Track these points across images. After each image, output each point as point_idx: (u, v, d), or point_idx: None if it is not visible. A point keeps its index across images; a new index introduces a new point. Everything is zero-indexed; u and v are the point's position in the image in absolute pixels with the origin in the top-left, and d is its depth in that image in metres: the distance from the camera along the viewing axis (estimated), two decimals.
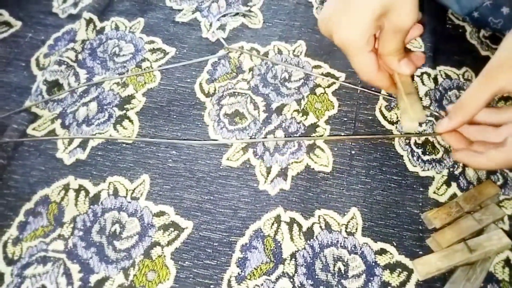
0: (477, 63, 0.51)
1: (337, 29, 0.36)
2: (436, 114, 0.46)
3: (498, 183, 0.42)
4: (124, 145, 0.46)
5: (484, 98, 0.35)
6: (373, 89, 0.49)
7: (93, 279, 0.38)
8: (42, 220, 0.41)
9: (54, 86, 0.49)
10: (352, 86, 0.49)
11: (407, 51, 0.40)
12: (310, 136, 0.46)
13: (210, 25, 0.55)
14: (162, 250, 0.39)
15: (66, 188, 0.43)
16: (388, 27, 0.36)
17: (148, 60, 0.52)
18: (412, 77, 0.45)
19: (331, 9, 0.37)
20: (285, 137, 0.45)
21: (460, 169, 0.43)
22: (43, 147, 0.45)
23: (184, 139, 0.46)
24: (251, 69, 0.51)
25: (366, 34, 0.36)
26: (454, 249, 0.38)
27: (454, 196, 0.42)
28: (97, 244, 0.40)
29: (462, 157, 0.38)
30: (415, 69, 0.40)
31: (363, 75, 0.39)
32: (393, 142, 0.45)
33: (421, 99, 0.40)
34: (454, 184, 0.43)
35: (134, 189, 0.43)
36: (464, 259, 0.37)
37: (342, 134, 0.46)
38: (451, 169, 0.43)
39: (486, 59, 0.51)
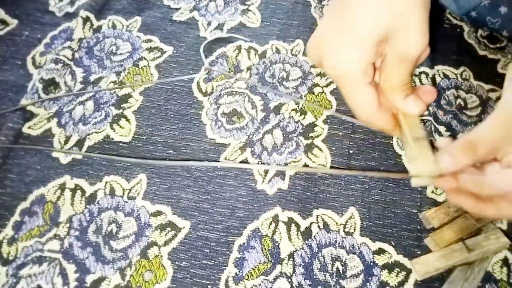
0: (475, 62, 0.51)
1: (329, 53, 0.29)
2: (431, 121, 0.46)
3: None
4: (121, 144, 0.45)
5: (501, 136, 0.30)
6: None
7: (89, 279, 0.38)
8: (38, 220, 0.40)
9: (50, 84, 0.49)
10: None
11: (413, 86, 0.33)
12: (312, 167, 0.45)
13: (208, 24, 0.55)
14: (159, 250, 0.39)
15: (62, 187, 0.42)
16: (391, 55, 0.29)
17: (145, 59, 0.52)
18: (422, 117, 0.36)
19: (323, 30, 0.30)
20: (283, 137, 0.45)
21: None
22: (39, 146, 0.45)
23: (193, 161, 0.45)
24: (249, 68, 0.51)
25: (364, 62, 0.29)
26: (452, 249, 0.38)
27: None
28: (94, 244, 0.39)
29: (465, 202, 0.32)
30: (425, 108, 0.32)
31: (360, 114, 0.31)
32: (391, 142, 0.45)
33: (432, 145, 0.31)
34: None
35: (131, 188, 0.42)
36: (462, 259, 0.37)
37: (340, 133, 0.46)
38: None
39: (484, 58, 0.52)
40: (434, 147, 0.32)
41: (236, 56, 0.52)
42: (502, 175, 0.30)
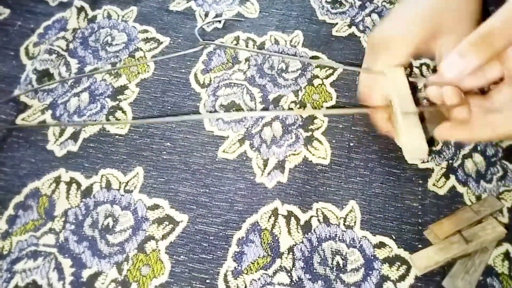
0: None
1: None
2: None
3: (498, 174, 0.42)
4: (117, 136, 0.44)
5: None
6: None
7: (85, 274, 0.37)
8: (33, 214, 0.40)
9: (44, 75, 0.48)
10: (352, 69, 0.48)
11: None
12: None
13: (206, 14, 0.54)
14: (156, 244, 0.38)
15: (57, 180, 0.41)
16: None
17: (142, 49, 0.51)
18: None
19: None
20: (282, 129, 0.45)
21: (459, 161, 0.43)
22: (33, 139, 0.44)
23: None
24: (247, 59, 0.50)
25: (413, 43, 0.34)
26: (450, 241, 0.37)
27: (453, 188, 0.41)
28: (90, 238, 0.39)
29: (450, 131, 0.32)
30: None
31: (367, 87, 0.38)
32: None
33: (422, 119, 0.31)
34: (452, 177, 0.42)
35: (128, 181, 0.42)
36: (461, 251, 0.37)
37: (341, 125, 0.45)
38: (450, 161, 0.43)
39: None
40: (424, 122, 0.32)
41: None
42: None
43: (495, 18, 0.28)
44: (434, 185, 0.42)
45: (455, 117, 0.31)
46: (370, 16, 0.53)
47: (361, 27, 0.52)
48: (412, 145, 0.30)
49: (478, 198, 0.41)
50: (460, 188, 0.41)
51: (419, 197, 0.41)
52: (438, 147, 0.43)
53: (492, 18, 0.28)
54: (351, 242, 0.39)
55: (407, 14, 0.36)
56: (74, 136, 0.44)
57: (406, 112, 0.31)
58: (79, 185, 0.41)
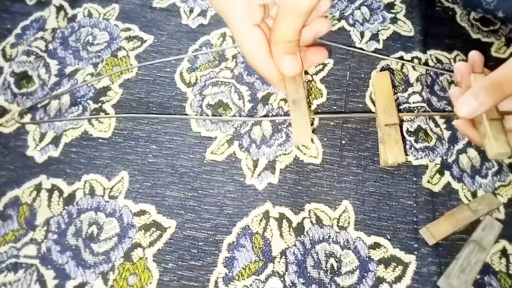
0: (468, 46, 0.49)
1: None
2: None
3: (493, 169, 0.41)
4: (100, 140, 0.43)
5: None
6: (362, 75, 0.47)
7: (69, 285, 0.36)
8: (12, 224, 0.38)
9: (22, 78, 0.46)
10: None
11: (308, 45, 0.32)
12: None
13: (191, 11, 0.52)
14: (143, 251, 0.37)
15: (38, 188, 0.40)
16: (281, 5, 0.27)
17: (125, 48, 0.49)
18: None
19: None
20: (272, 128, 0.43)
21: (453, 157, 0.42)
22: (12, 144, 0.42)
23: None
24: (234, 57, 0.48)
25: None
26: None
27: (448, 185, 0.40)
28: (73, 247, 0.37)
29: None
30: (301, 70, 0.31)
31: (248, 56, 0.30)
32: None
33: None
34: (447, 173, 0.41)
35: (112, 187, 0.40)
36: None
37: (332, 123, 0.44)
38: (444, 157, 0.42)
39: (477, 42, 0.50)
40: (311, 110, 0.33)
41: (221, 44, 0.49)
42: None
43: (507, 67, 0.30)
44: (428, 182, 0.41)
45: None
46: (359, 9, 0.52)
47: (350, 21, 0.51)
48: (499, 149, 0.32)
49: (474, 194, 0.40)
50: (455, 185, 0.40)
51: (414, 195, 0.40)
52: (431, 143, 0.42)
53: (504, 66, 0.30)
54: (345, 243, 0.38)
55: None
56: (55, 141, 0.42)
57: (493, 118, 0.32)
58: (61, 192, 0.40)
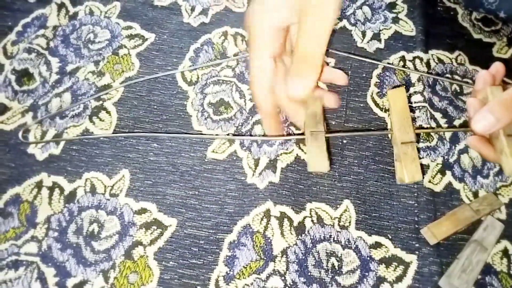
0: (470, 46, 0.49)
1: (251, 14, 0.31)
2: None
3: (495, 169, 0.41)
4: (101, 138, 0.42)
5: None
6: (364, 74, 0.47)
7: (70, 283, 0.35)
8: (13, 221, 0.38)
9: (23, 75, 0.46)
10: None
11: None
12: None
13: (192, 9, 0.52)
14: (144, 250, 0.37)
15: (39, 185, 0.40)
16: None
17: (126, 47, 0.49)
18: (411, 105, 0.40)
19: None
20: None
21: (455, 157, 0.42)
22: (13, 142, 0.42)
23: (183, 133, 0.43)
24: (236, 55, 0.48)
25: (273, 25, 0.31)
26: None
27: (449, 185, 0.40)
28: (74, 245, 0.37)
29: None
30: (309, 93, 0.32)
31: (251, 79, 0.33)
32: (385, 131, 0.43)
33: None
34: (449, 173, 0.41)
35: (113, 185, 0.40)
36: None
37: (333, 122, 0.44)
38: (445, 157, 0.42)
39: (479, 42, 0.50)
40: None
41: (222, 43, 0.49)
42: None
43: None
44: (430, 181, 0.40)
45: None
46: (361, 8, 0.52)
47: (352, 20, 0.51)
48: None
49: (475, 194, 0.40)
50: (457, 185, 0.40)
51: (415, 194, 0.40)
52: (433, 143, 0.42)
53: None
54: (346, 243, 0.38)
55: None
56: (57, 139, 0.42)
57: (510, 134, 0.32)
58: (62, 190, 0.40)
